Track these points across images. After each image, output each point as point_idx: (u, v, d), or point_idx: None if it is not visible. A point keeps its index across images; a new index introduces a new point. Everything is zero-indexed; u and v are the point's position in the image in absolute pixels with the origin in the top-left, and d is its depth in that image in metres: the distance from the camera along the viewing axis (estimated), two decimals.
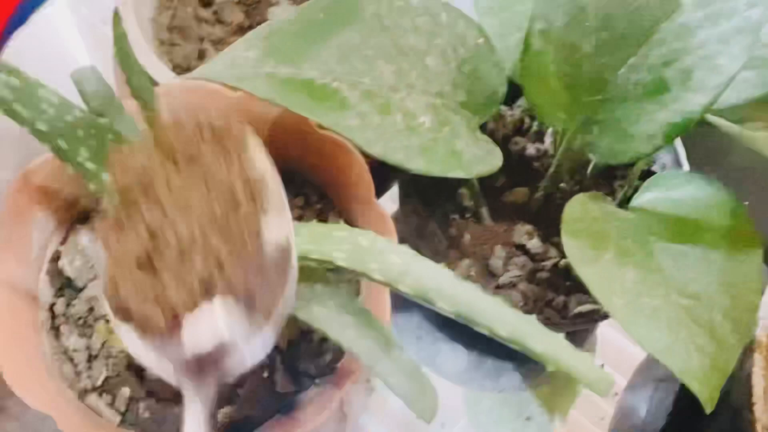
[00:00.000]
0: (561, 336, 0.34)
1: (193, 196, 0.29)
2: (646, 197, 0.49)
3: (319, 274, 0.44)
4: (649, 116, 0.43)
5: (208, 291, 0.29)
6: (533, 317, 0.35)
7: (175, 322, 0.28)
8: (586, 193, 0.48)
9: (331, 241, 0.40)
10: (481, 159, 0.44)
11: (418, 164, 0.42)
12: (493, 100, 0.47)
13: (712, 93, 0.41)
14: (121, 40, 0.38)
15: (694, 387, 0.43)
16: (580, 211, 0.46)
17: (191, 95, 0.52)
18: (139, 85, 0.39)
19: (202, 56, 0.65)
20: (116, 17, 0.37)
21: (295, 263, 0.32)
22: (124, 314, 0.29)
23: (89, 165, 0.43)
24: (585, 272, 0.44)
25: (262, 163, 0.34)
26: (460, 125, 0.45)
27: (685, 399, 0.65)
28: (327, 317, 0.42)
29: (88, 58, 0.72)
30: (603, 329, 0.67)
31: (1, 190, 0.65)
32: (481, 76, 0.46)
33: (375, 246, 0.39)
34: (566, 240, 0.45)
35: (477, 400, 0.62)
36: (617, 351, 0.67)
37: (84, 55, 0.72)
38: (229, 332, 0.29)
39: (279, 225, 0.32)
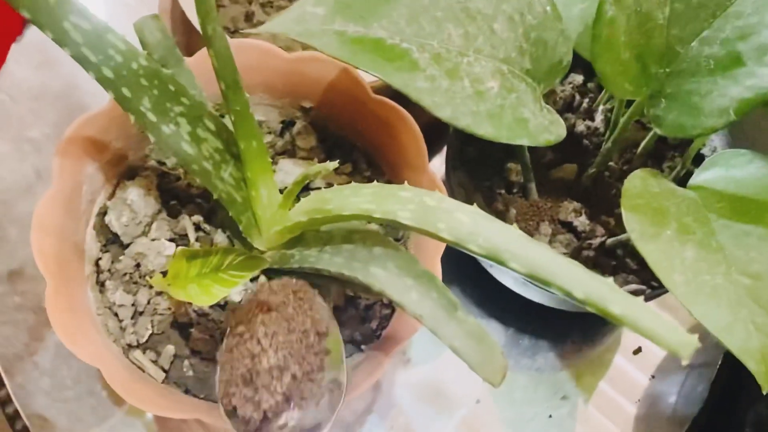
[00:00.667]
0: (640, 299, 0.33)
1: (280, 334, 0.41)
2: (706, 176, 0.48)
3: (377, 236, 0.43)
4: (721, 91, 0.42)
5: (287, 401, 0.40)
6: (610, 279, 0.34)
7: (265, 420, 0.39)
8: (645, 169, 0.47)
9: (396, 201, 0.40)
10: (546, 128, 0.43)
11: (486, 129, 0.41)
12: (558, 69, 0.46)
13: None
14: None
15: (752, 366, 0.42)
16: (641, 186, 0.46)
17: (245, 54, 0.51)
18: (215, 32, 0.39)
19: (249, 18, 0.64)
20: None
21: (344, 391, 0.42)
22: (231, 413, 0.40)
23: (150, 115, 0.42)
24: (645, 248, 0.43)
25: (326, 314, 0.43)
26: (526, 93, 0.44)
27: (721, 386, 0.65)
28: (387, 279, 0.41)
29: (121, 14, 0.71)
30: None
31: (43, 146, 0.65)
32: (547, 44, 0.46)
33: (442, 205, 0.38)
34: (627, 215, 0.44)
35: (513, 377, 0.62)
36: (646, 344, 0.67)
37: (125, 17, 0.71)
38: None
39: (335, 365, 0.42)
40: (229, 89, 0.41)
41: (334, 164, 0.41)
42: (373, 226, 0.50)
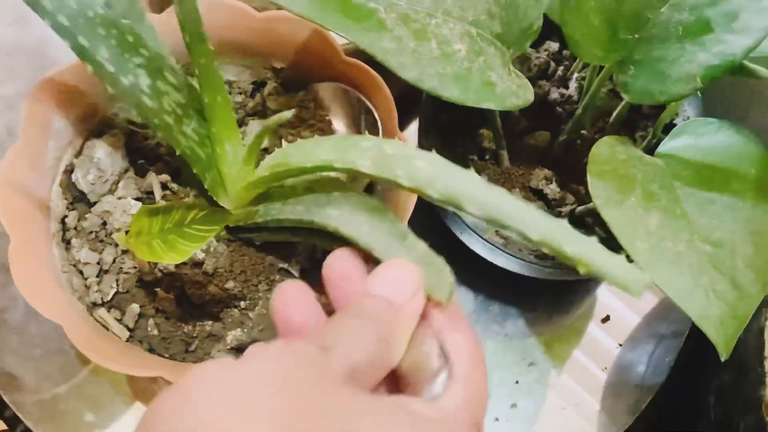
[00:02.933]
0: (594, 239, 0.33)
1: None
2: (674, 143, 0.48)
3: (336, 183, 0.43)
4: (689, 57, 0.42)
5: None
6: (565, 221, 0.34)
7: None
8: (613, 136, 0.47)
9: (356, 150, 0.39)
10: (513, 92, 0.43)
11: (452, 92, 0.41)
12: (528, 34, 0.46)
13: (756, 36, 0.40)
14: None
15: (711, 334, 0.43)
16: (608, 153, 0.46)
17: (216, 12, 0.51)
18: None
19: None
20: None
21: None
22: None
23: (108, 66, 0.42)
24: (610, 214, 0.43)
25: None
26: (495, 57, 0.44)
27: (687, 355, 0.66)
28: (341, 217, 0.40)
29: None
30: (600, 294, 0.67)
31: (15, 103, 0.65)
32: (518, 7, 0.45)
33: (400, 152, 0.38)
34: (592, 181, 0.44)
35: (482, 341, 0.62)
36: (613, 315, 0.67)
37: None
38: None
39: None
40: (193, 41, 0.40)
41: (291, 112, 0.41)
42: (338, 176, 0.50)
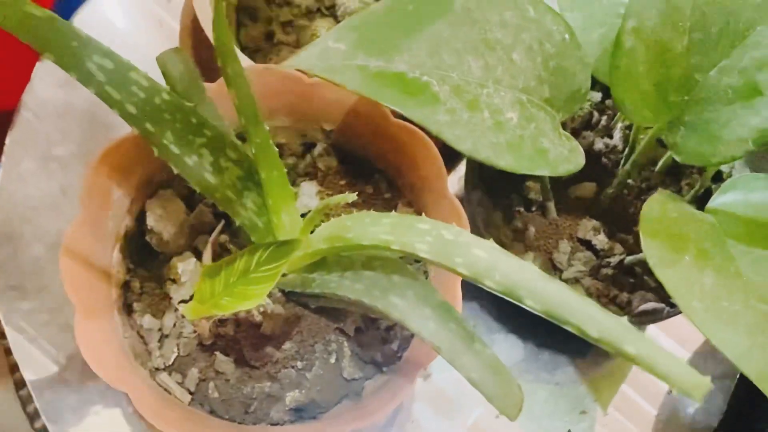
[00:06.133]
0: (651, 338, 0.34)
1: None
2: (724, 199, 0.48)
3: (396, 264, 0.44)
4: (740, 120, 0.43)
5: None
6: (624, 318, 0.35)
7: None
8: (662, 192, 0.48)
9: (414, 233, 0.40)
10: (565, 158, 0.44)
11: (506, 161, 0.42)
12: (577, 97, 0.46)
13: None
14: (220, 26, 0.38)
15: None
16: (659, 211, 0.46)
17: (268, 79, 0.52)
18: (234, 72, 0.39)
19: (269, 38, 0.65)
20: (219, 1, 0.37)
21: None
22: None
23: (173, 148, 0.43)
24: (664, 274, 0.44)
25: None
26: (545, 122, 0.45)
27: (739, 399, 0.65)
28: (406, 308, 0.42)
29: (143, 39, 0.72)
30: (650, 329, 0.67)
31: (69, 163, 0.66)
32: (566, 72, 0.46)
33: (459, 239, 0.39)
34: (645, 240, 0.45)
35: (533, 391, 0.63)
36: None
37: (139, 35, 0.72)
38: None
39: None
40: (250, 124, 0.41)
41: (353, 196, 0.42)
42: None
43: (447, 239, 0.39)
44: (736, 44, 0.43)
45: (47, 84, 0.70)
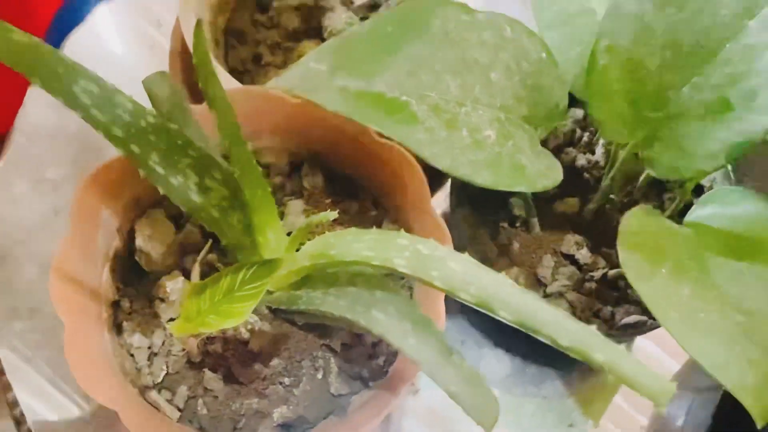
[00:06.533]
0: (622, 347, 0.35)
1: None
2: (701, 212, 0.49)
3: (379, 280, 0.45)
4: (712, 135, 0.44)
5: None
6: (594, 327, 0.36)
7: None
8: (642, 206, 0.49)
9: (393, 248, 0.41)
10: (543, 173, 0.45)
11: (484, 178, 0.43)
12: (555, 114, 0.47)
13: None
14: (200, 50, 0.39)
15: (747, 402, 0.43)
16: (637, 225, 0.47)
17: (254, 101, 0.53)
18: (215, 95, 0.40)
19: (257, 60, 0.66)
20: (198, 26, 0.38)
21: None
22: None
23: (159, 169, 0.44)
24: (641, 287, 0.44)
25: None
26: (523, 139, 0.46)
27: (725, 410, 0.66)
28: (387, 323, 0.43)
29: (135, 61, 0.73)
30: (639, 341, 0.68)
31: (61, 185, 0.67)
32: (543, 90, 0.47)
33: (435, 254, 0.40)
34: (623, 254, 0.46)
35: (520, 404, 0.63)
36: (652, 364, 0.68)
37: (131, 57, 0.73)
38: None
39: None
40: (232, 145, 0.42)
41: (334, 214, 0.43)
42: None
43: (424, 254, 0.40)
44: (706, 62, 0.44)
45: (40, 107, 0.71)
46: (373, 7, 0.68)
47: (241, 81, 0.65)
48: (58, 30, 0.82)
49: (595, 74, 0.45)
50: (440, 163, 0.42)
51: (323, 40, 0.67)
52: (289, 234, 0.50)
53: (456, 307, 0.59)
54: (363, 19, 0.68)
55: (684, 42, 0.44)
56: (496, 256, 0.59)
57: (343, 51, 0.44)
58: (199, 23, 0.39)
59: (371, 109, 0.42)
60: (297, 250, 0.48)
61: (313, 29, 0.67)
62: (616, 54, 0.45)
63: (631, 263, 0.45)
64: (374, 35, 0.45)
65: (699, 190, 0.57)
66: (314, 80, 0.42)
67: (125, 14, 0.75)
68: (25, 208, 0.66)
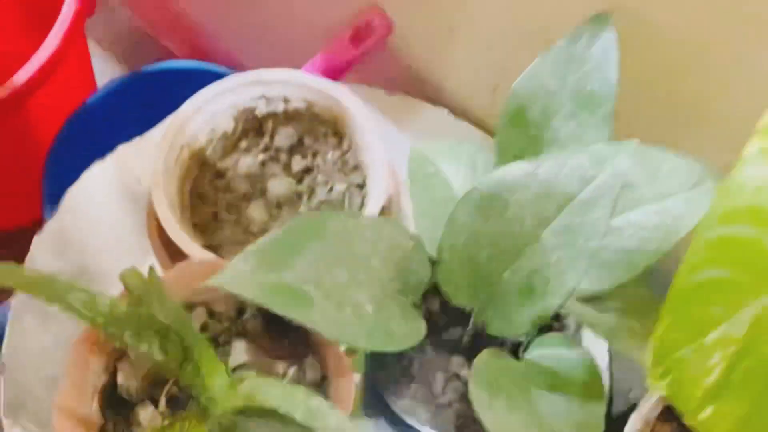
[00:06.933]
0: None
1: None
2: (534, 352, 0.67)
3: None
4: (523, 309, 0.62)
5: None
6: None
7: None
8: (489, 350, 0.66)
9: (293, 402, 0.58)
10: (408, 335, 0.62)
11: (363, 344, 0.60)
12: (420, 286, 0.65)
13: (563, 296, 0.60)
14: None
15: None
16: (484, 365, 0.65)
17: (208, 267, 0.71)
18: (169, 309, 0.59)
19: (216, 217, 0.84)
20: (151, 271, 0.56)
21: None
22: None
23: (131, 340, 0.62)
24: (483, 414, 0.62)
25: None
26: (395, 309, 0.63)
27: None
28: None
29: (121, 209, 0.91)
30: None
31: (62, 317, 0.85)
32: (411, 270, 0.65)
33: (320, 408, 0.57)
34: (472, 388, 0.63)
35: None
36: None
37: (118, 208, 0.91)
38: None
39: None
40: (179, 327, 0.60)
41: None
42: None
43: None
44: (516, 257, 0.62)
45: (44, 254, 0.89)
46: (307, 171, 0.86)
47: (204, 234, 0.83)
48: (55, 186, 1.03)
49: (441, 262, 0.63)
50: (330, 335, 0.59)
51: (267, 200, 0.85)
52: (236, 369, 0.67)
53: (374, 410, 0.76)
54: (299, 181, 0.86)
55: (501, 242, 0.62)
56: (399, 376, 0.76)
57: (262, 253, 0.61)
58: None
59: (280, 297, 0.59)
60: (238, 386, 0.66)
61: (260, 191, 0.85)
62: (455, 251, 0.63)
63: (477, 394, 0.62)
64: (286, 237, 0.62)
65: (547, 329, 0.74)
66: (240, 277, 0.59)
67: (112, 172, 0.94)
68: (33, 340, 0.84)
